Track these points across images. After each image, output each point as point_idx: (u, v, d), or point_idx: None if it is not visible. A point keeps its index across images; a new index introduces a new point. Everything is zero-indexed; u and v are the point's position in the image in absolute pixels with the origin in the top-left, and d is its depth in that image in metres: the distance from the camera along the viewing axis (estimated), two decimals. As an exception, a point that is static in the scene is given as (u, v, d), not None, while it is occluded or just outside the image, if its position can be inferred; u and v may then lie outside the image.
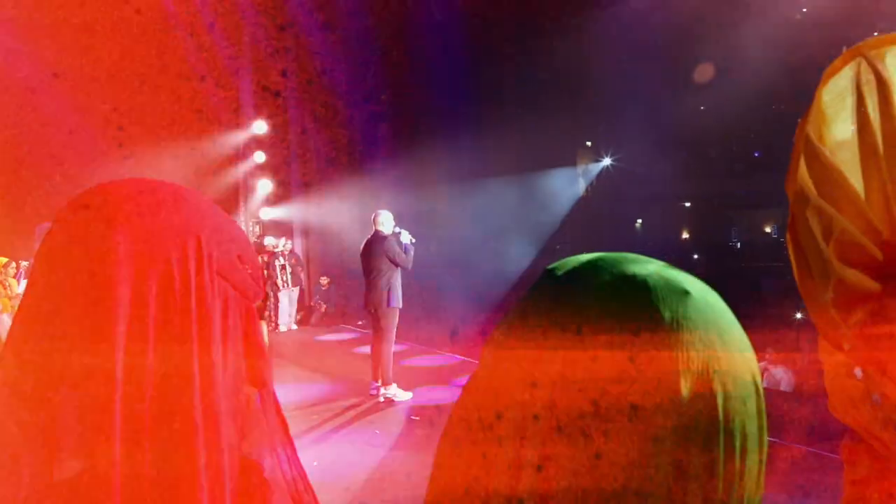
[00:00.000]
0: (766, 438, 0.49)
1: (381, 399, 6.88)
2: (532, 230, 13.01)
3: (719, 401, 0.45)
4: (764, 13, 10.42)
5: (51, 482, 0.62)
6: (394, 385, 6.95)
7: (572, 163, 16.23)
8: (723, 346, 0.47)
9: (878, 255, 0.67)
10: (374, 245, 6.88)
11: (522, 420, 0.46)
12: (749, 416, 0.47)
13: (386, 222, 6.98)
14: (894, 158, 0.69)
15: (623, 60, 12.09)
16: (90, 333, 0.63)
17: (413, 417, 6.31)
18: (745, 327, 0.51)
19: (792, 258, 0.72)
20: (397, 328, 7.06)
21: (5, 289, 8.05)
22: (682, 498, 0.44)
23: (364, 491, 4.56)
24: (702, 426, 0.45)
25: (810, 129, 0.73)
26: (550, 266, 0.54)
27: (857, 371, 0.67)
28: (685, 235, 21.02)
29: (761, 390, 0.49)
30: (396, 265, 6.88)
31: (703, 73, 12.22)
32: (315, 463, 5.09)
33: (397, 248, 6.85)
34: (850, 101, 0.73)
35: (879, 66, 0.72)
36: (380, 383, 7.00)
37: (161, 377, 0.64)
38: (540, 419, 0.46)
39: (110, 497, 0.60)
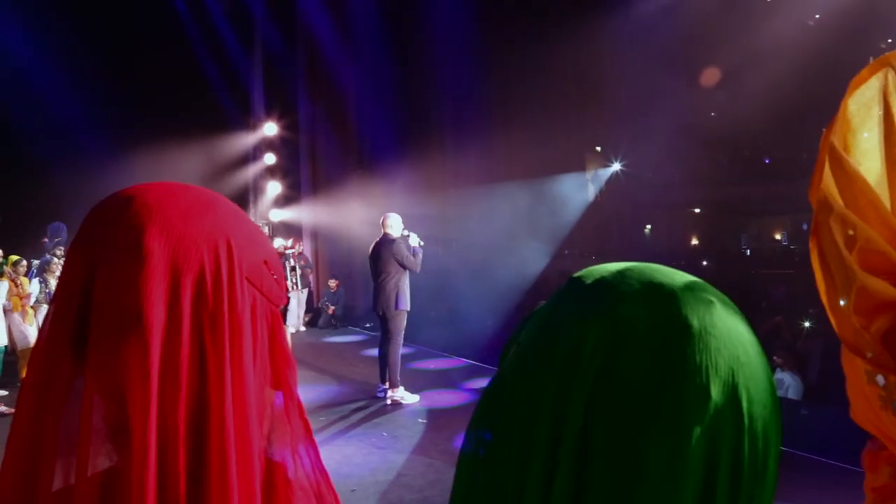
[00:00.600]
0: (780, 443, 0.50)
1: (389, 402, 6.89)
2: (541, 235, 12.98)
3: (744, 405, 0.47)
4: (776, 19, 10.39)
5: (85, 477, 0.63)
6: (401, 388, 6.96)
7: (582, 168, 16.19)
8: (745, 354, 0.49)
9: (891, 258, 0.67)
10: (383, 248, 6.91)
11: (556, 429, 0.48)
12: (769, 422, 0.48)
13: (395, 225, 7.00)
14: None
15: (633, 66, 12.08)
16: (126, 339, 0.63)
17: (420, 420, 6.31)
18: (755, 333, 0.53)
19: (815, 265, 0.73)
20: (405, 331, 7.07)
21: (17, 287, 8.09)
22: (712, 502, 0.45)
23: (370, 493, 4.56)
24: (729, 431, 0.46)
25: (835, 139, 0.73)
26: (577, 274, 0.55)
27: (880, 378, 0.68)
28: (695, 242, 20.93)
29: (777, 396, 0.51)
30: (405, 268, 6.89)
31: (714, 78, 12.19)
32: (322, 464, 5.11)
33: (406, 252, 6.87)
34: (876, 111, 0.74)
35: None
36: (387, 386, 7.01)
37: (196, 380, 0.65)
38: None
39: (144, 495, 0.61)
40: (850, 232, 0.68)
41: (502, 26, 12.92)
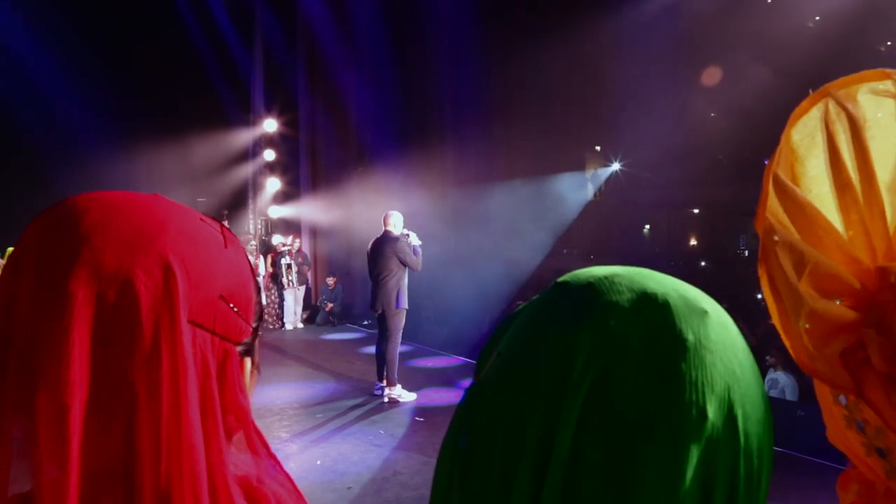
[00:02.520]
0: (773, 457, 0.49)
1: (386, 400, 6.90)
2: (540, 234, 12.99)
3: (740, 424, 0.46)
4: (776, 20, 10.39)
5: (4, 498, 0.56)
6: (398, 386, 6.96)
7: (581, 167, 16.21)
8: (740, 367, 0.48)
9: (856, 284, 0.68)
10: (384, 245, 6.89)
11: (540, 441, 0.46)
12: (763, 439, 0.48)
13: (396, 223, 6.99)
14: (868, 191, 0.72)
15: (634, 65, 12.07)
16: (42, 398, 0.56)
17: (417, 419, 6.32)
18: (753, 334, 0.52)
19: (765, 292, 0.73)
20: (403, 328, 7.07)
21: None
22: None
23: (366, 491, 4.57)
24: (725, 451, 0.45)
25: (779, 170, 0.75)
26: (562, 279, 0.53)
27: (842, 398, 0.70)
28: (693, 242, 20.95)
29: (770, 409, 0.50)
30: (406, 266, 6.88)
31: (714, 78, 12.19)
32: (318, 462, 5.11)
33: (408, 250, 6.85)
34: (820, 138, 0.76)
35: (849, 104, 0.75)
36: (384, 384, 7.01)
37: (123, 437, 0.58)
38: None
39: None
40: (799, 257, 0.70)
41: (503, 25, 12.92)
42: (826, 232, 0.71)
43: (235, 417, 0.67)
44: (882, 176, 0.72)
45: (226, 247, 0.68)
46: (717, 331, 0.48)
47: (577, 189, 15.38)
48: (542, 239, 12.99)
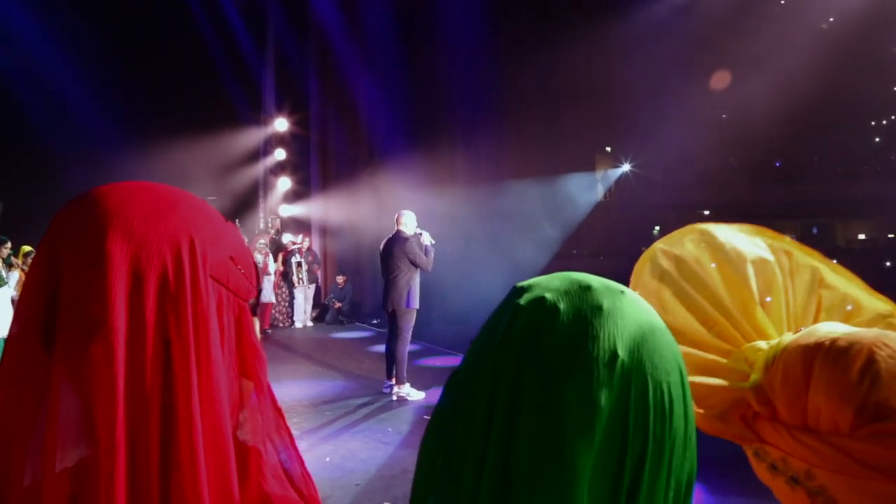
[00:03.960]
0: (693, 424, 0.60)
1: (394, 398, 6.92)
2: (550, 234, 12.99)
3: (647, 368, 0.57)
4: (788, 22, 10.34)
5: (52, 471, 0.64)
6: (407, 384, 6.98)
7: (591, 168, 16.17)
8: (650, 332, 0.59)
9: (727, 365, 1.03)
10: (395, 245, 6.91)
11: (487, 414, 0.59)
12: (674, 387, 0.59)
13: (408, 223, 7.00)
14: (716, 302, 1.10)
15: (645, 68, 12.04)
16: (91, 344, 0.65)
17: (425, 417, 6.33)
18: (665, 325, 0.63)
19: None
20: (412, 328, 7.09)
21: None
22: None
23: (375, 488, 4.59)
24: (636, 384, 0.57)
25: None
26: (518, 283, 0.66)
27: (756, 452, 0.95)
28: (703, 244, 20.84)
29: (686, 377, 0.61)
30: (417, 266, 6.90)
31: (726, 81, 12.14)
32: (327, 459, 5.13)
33: (418, 250, 6.87)
34: (666, 277, 1.15)
35: (676, 250, 1.17)
36: (393, 382, 7.03)
37: (161, 377, 0.67)
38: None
39: (113, 486, 0.63)
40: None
41: (514, 26, 12.91)
42: (698, 337, 1.08)
43: (253, 357, 0.77)
44: (723, 292, 1.09)
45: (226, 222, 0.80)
46: (631, 305, 0.61)
47: (588, 190, 15.35)
48: (551, 239, 12.99)
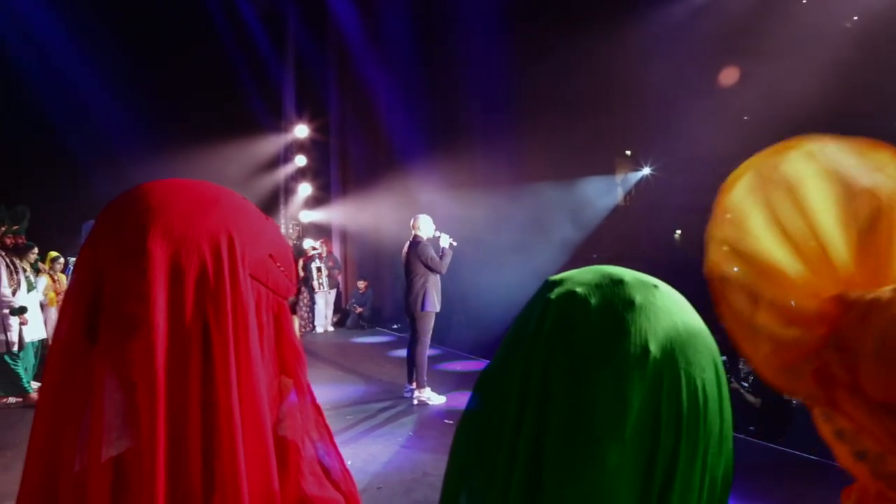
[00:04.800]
0: (729, 422, 0.59)
1: (415, 402, 6.93)
2: (569, 238, 12.93)
3: (681, 363, 0.57)
4: (812, 20, 10.22)
5: (98, 460, 0.66)
6: (428, 388, 6.99)
7: (611, 171, 16.06)
8: (683, 326, 0.59)
9: (815, 313, 0.83)
10: (411, 249, 6.96)
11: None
12: (708, 383, 0.58)
13: (424, 226, 7.04)
14: (812, 236, 0.88)
15: (665, 69, 11.96)
16: (133, 341, 0.67)
17: (446, 421, 6.34)
18: (701, 319, 0.62)
19: (729, 329, 0.88)
20: (433, 332, 7.10)
21: (55, 283, 8.31)
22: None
23: (395, 491, 4.60)
24: (668, 381, 0.56)
25: (725, 229, 0.91)
26: (550, 277, 0.66)
27: (825, 415, 0.82)
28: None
29: (721, 368, 0.60)
30: (430, 269, 6.93)
31: (747, 81, 12.03)
32: (348, 462, 5.14)
33: (432, 253, 6.90)
34: (758, 198, 0.93)
35: (782, 167, 0.94)
36: (414, 386, 7.05)
37: (201, 373, 0.68)
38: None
39: (157, 470, 0.65)
40: (752, 296, 0.84)
41: (532, 28, 12.89)
42: (780, 275, 0.86)
43: (292, 355, 0.79)
44: (822, 221, 0.88)
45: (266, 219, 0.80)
46: (665, 300, 0.60)
47: (607, 193, 15.27)
48: (570, 243, 12.93)
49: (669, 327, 0.58)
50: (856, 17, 10.45)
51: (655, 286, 0.61)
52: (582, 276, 0.62)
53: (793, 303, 0.83)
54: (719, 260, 0.88)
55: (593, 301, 0.59)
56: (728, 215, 0.89)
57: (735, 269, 0.86)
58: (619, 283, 0.60)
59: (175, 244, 0.69)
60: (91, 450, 0.66)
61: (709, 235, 0.89)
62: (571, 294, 0.60)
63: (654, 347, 0.56)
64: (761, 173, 0.93)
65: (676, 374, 0.56)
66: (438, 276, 7.02)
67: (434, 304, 6.98)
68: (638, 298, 0.59)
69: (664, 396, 0.55)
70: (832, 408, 0.80)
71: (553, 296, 0.61)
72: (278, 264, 0.78)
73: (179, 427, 0.66)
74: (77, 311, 0.70)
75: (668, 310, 0.59)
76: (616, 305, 0.58)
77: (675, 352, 0.57)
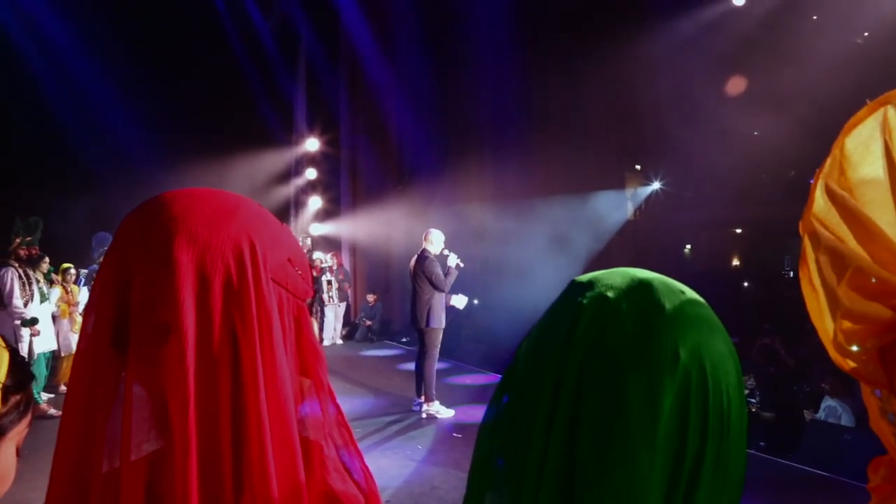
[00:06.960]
0: (746, 426, 0.61)
1: (424, 415, 6.92)
2: (578, 253, 12.91)
3: (708, 369, 0.59)
4: (822, 36, 10.23)
5: (129, 462, 0.68)
6: (436, 402, 6.99)
7: (621, 186, 16.06)
8: (709, 332, 0.61)
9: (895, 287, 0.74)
10: (419, 264, 6.98)
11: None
12: (732, 389, 0.60)
13: (435, 241, 7.06)
14: None
15: (675, 84, 11.99)
16: (164, 347, 0.69)
17: (455, 435, 6.33)
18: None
19: (805, 292, 0.82)
20: (441, 346, 7.10)
21: (68, 294, 8.37)
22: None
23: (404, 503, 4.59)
24: (696, 386, 0.58)
25: (830, 177, 0.80)
26: (576, 278, 0.68)
27: (877, 391, 0.77)
28: (736, 262, 20.54)
29: (741, 372, 0.63)
30: (434, 286, 6.94)
31: (757, 96, 12.03)
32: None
33: (438, 270, 6.92)
34: (876, 146, 0.79)
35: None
36: (422, 400, 7.04)
37: (230, 374, 0.70)
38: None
39: (189, 469, 0.67)
40: (840, 261, 0.76)
41: (543, 43, 12.96)
42: (876, 235, 0.75)
43: (313, 356, 0.81)
44: None
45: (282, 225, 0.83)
46: (692, 307, 0.62)
47: (617, 208, 15.25)
48: (580, 258, 12.91)
49: (696, 332, 0.60)
50: (866, 34, 10.46)
51: (682, 291, 0.63)
52: (611, 279, 0.64)
53: (879, 277, 0.73)
54: (819, 211, 0.80)
55: (624, 306, 0.61)
56: (840, 160, 0.81)
57: (832, 224, 0.78)
58: (648, 287, 0.62)
59: (200, 251, 0.72)
60: (122, 451, 0.68)
61: (815, 180, 0.82)
62: (603, 298, 0.62)
63: (683, 352, 0.58)
64: (892, 114, 0.79)
65: (704, 378, 0.58)
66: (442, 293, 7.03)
67: (440, 320, 6.99)
68: (667, 304, 0.61)
69: (692, 400, 0.57)
70: (890, 390, 0.75)
71: (585, 300, 0.63)
72: (296, 268, 0.80)
73: (210, 429, 0.68)
74: (103, 316, 0.72)
75: (696, 315, 0.61)
76: (647, 311, 0.60)
77: (702, 356, 0.59)
